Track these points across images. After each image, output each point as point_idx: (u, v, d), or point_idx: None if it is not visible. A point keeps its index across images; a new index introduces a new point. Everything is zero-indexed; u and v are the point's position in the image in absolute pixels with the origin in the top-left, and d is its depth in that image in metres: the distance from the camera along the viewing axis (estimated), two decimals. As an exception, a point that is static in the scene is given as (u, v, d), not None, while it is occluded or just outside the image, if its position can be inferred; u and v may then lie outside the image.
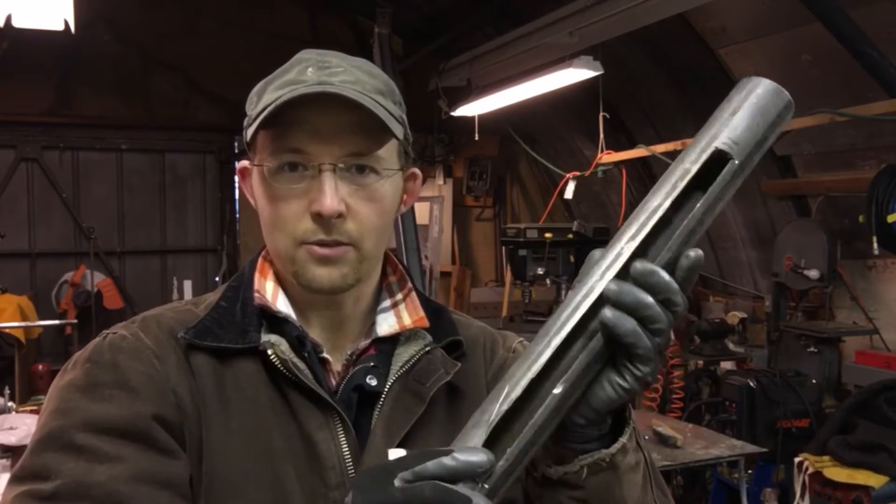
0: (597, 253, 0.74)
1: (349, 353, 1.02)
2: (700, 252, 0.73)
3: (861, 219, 3.96)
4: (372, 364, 1.01)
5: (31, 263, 6.32)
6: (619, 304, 0.69)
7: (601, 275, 0.71)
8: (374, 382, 0.99)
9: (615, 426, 0.82)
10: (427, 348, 1.03)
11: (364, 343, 1.03)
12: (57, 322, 5.66)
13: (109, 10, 5.84)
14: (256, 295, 1.00)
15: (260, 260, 1.06)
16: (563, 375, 0.71)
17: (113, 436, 0.87)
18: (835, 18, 3.30)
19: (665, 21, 3.84)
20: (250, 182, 1.03)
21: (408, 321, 1.04)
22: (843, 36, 3.33)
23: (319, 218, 0.94)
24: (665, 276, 0.70)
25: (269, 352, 0.96)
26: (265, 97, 0.96)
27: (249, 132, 0.97)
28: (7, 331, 5.27)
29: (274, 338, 0.97)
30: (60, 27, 2.96)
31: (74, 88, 6.26)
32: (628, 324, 0.69)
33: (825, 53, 3.85)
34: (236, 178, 7.20)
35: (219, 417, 0.94)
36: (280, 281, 1.04)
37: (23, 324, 5.31)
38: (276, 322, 0.99)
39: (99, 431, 0.87)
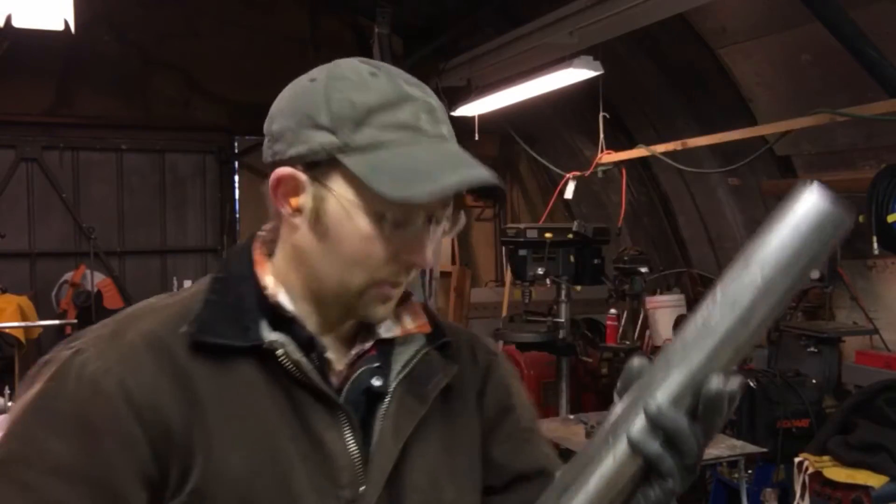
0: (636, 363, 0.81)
1: (354, 353, 1.03)
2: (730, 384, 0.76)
3: (861, 219, 3.96)
4: (376, 364, 1.02)
5: (31, 263, 6.32)
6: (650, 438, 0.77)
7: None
8: (378, 383, 1.01)
9: None
10: (424, 349, 1.05)
11: (368, 344, 1.03)
12: (57, 322, 5.66)
13: (109, 10, 5.84)
14: (268, 292, 0.98)
15: (256, 254, 1.03)
16: None
17: (63, 478, 0.86)
18: (835, 18, 3.30)
19: (665, 21, 3.84)
20: (303, 196, 0.96)
21: (411, 325, 1.05)
22: (843, 36, 3.33)
23: (410, 266, 0.96)
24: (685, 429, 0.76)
25: (279, 352, 0.94)
26: (369, 132, 0.91)
27: (354, 164, 0.91)
28: (7, 331, 5.27)
29: (279, 337, 0.95)
30: (60, 27, 2.96)
31: (74, 88, 6.26)
32: (655, 446, 0.76)
33: (825, 53, 3.85)
34: (235, 179, 7.20)
35: (219, 421, 0.91)
36: (280, 277, 1.01)
37: (23, 324, 5.31)
38: (280, 320, 0.97)
39: (49, 471, 0.86)
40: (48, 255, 6.34)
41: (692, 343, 0.75)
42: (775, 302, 0.74)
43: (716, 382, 0.74)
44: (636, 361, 0.79)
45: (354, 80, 0.93)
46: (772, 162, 4.70)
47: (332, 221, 0.94)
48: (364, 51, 5.66)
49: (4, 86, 5.88)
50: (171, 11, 6.26)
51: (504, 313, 5.73)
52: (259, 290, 0.98)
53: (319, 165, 0.93)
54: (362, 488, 0.95)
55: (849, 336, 4.48)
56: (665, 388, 0.75)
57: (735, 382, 0.75)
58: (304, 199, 0.95)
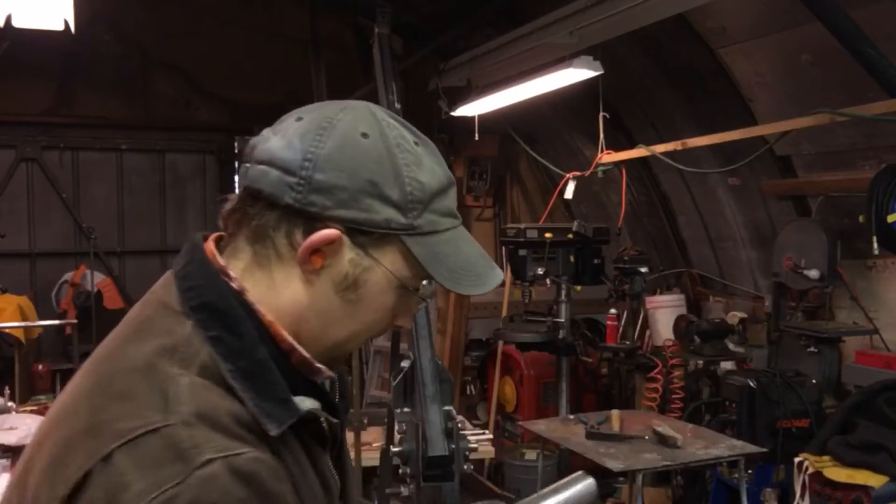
0: None
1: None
2: None
3: (861, 219, 3.96)
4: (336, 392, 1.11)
5: (31, 263, 6.32)
6: None
7: None
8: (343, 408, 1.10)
9: None
10: None
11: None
12: (57, 322, 5.66)
13: (109, 9, 5.84)
14: (321, 368, 0.99)
15: (261, 309, 0.95)
16: None
17: None
18: (835, 18, 3.30)
19: (665, 21, 3.83)
20: (335, 259, 0.95)
21: None
22: (843, 36, 3.33)
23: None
24: None
25: (322, 419, 0.97)
26: (429, 217, 0.97)
27: (417, 249, 0.96)
28: (7, 331, 5.28)
29: (314, 404, 0.96)
30: (60, 27, 2.95)
31: (74, 88, 6.26)
32: None
33: (825, 53, 3.85)
34: (235, 179, 7.16)
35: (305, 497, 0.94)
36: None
37: (23, 324, 5.31)
38: (300, 379, 0.97)
39: None
40: (48, 255, 6.35)
41: None
42: None
43: None
44: None
45: (411, 151, 0.96)
46: (772, 162, 4.70)
47: (369, 291, 0.97)
48: (364, 51, 5.66)
49: (4, 86, 5.88)
50: (171, 11, 6.26)
51: (504, 313, 5.73)
52: (276, 352, 0.95)
53: (369, 235, 0.94)
54: None
55: (849, 336, 4.48)
56: None
57: None
58: (337, 263, 0.95)
